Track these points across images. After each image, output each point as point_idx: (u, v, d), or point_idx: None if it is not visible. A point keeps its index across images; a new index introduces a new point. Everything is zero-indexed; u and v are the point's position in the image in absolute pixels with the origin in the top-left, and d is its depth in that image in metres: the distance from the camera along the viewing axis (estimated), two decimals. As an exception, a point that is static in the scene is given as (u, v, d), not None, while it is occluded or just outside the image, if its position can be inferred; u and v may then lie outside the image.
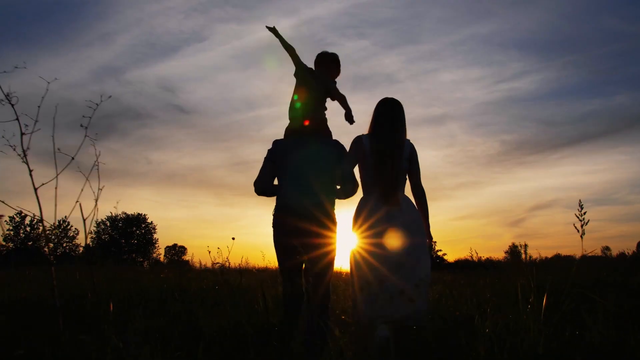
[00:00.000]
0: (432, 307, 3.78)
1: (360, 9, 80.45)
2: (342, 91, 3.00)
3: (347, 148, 2.73)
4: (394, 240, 2.44)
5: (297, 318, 2.57)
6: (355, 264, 2.51)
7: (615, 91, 78.23)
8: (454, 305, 4.09)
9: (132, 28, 71.70)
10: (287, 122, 2.92)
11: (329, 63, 2.99)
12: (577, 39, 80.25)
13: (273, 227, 2.65)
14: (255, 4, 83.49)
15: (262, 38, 72.89)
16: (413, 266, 2.44)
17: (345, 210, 2.80)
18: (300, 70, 2.94)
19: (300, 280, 2.62)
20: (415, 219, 2.54)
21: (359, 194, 2.71)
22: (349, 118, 2.91)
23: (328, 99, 3.01)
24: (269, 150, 2.80)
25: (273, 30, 2.98)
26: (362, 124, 2.78)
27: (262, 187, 2.74)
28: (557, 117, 79.24)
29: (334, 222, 2.64)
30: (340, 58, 3.04)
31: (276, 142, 2.81)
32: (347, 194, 2.74)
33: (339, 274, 7.47)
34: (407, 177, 2.65)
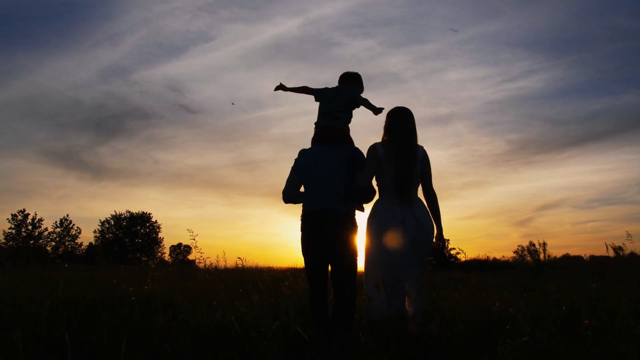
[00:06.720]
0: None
1: (367, 8, 76.98)
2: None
3: (365, 151, 2.90)
4: (404, 239, 2.63)
5: (324, 319, 2.77)
6: (369, 262, 2.74)
7: (623, 90, 73.28)
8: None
9: (140, 28, 69.64)
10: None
11: (353, 80, 3.18)
12: (585, 37, 74.89)
13: (301, 230, 2.87)
14: (262, 4, 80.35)
15: (269, 38, 73.04)
16: (417, 265, 2.69)
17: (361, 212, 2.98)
18: (316, 92, 3.17)
19: (326, 281, 2.84)
20: (426, 220, 2.73)
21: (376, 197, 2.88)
22: (376, 112, 3.01)
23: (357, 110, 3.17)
24: (295, 159, 2.98)
25: (281, 87, 3.26)
26: (375, 130, 2.84)
27: (288, 195, 2.95)
28: (564, 116, 75.15)
29: (354, 224, 2.83)
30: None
31: (301, 152, 2.99)
32: (365, 198, 2.89)
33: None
34: (420, 180, 2.82)
